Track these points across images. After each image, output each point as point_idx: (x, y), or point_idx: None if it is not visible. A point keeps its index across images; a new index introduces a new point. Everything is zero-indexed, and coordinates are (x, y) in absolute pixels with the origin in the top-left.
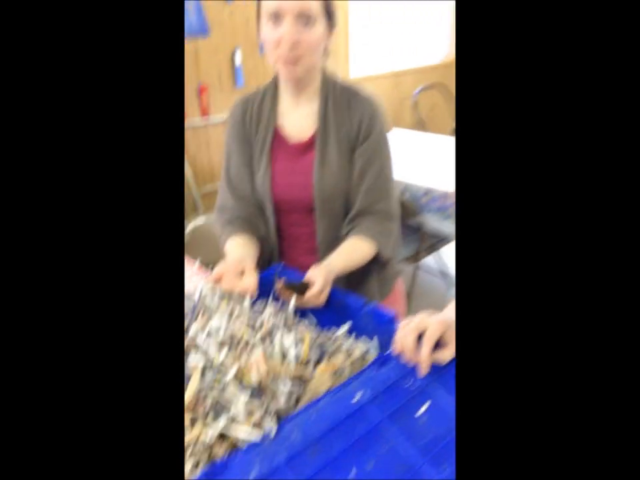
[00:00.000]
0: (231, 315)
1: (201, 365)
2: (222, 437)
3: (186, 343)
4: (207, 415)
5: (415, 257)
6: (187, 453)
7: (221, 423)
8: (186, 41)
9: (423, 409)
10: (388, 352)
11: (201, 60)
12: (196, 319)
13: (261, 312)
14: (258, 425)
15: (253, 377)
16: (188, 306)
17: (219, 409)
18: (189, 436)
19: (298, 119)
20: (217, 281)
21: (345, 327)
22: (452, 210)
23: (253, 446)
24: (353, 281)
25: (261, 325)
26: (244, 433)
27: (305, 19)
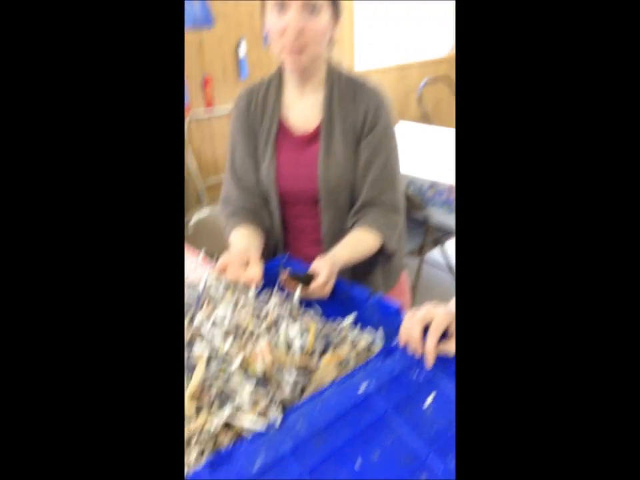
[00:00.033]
0: (236, 304)
1: (206, 354)
2: (227, 426)
3: (191, 332)
4: (212, 403)
5: (420, 251)
6: (192, 442)
7: (226, 411)
8: (190, 32)
9: (429, 400)
10: (394, 343)
11: (205, 51)
12: (201, 308)
13: (266, 302)
14: (263, 414)
15: (258, 367)
16: (193, 296)
17: (224, 398)
18: (194, 424)
19: (303, 109)
20: (222, 271)
21: (350, 318)
22: None
23: (258, 435)
24: (358, 273)
25: (266, 315)
26: (249, 422)
27: (310, 7)
